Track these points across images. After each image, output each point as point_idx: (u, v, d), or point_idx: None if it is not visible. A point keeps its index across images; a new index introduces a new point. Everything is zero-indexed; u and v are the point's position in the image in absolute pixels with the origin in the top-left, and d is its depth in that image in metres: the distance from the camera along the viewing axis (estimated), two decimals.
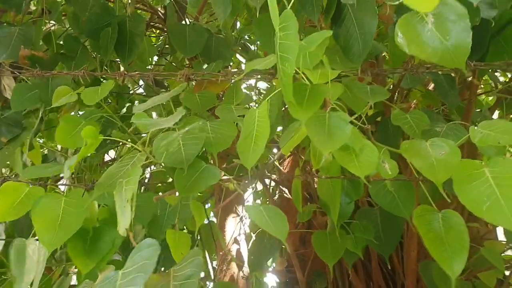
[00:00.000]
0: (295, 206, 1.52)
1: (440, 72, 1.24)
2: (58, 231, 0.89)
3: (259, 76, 1.22)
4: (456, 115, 1.59)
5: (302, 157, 1.57)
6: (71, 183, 1.01)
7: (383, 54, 1.71)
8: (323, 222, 1.40)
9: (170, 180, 1.95)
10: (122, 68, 1.86)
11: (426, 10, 0.58)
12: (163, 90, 1.85)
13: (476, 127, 0.90)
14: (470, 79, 1.42)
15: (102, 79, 1.45)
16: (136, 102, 1.78)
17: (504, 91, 1.75)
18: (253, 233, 2.22)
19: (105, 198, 1.00)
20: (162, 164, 0.92)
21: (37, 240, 1.01)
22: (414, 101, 1.71)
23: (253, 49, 2.33)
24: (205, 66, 1.68)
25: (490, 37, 1.11)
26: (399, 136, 1.33)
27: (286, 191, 1.87)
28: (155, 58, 2.09)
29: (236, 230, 2.10)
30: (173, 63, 1.93)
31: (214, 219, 2.16)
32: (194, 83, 1.30)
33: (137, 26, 1.36)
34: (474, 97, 1.35)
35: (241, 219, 2.09)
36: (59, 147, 2.10)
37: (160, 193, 1.75)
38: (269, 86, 1.44)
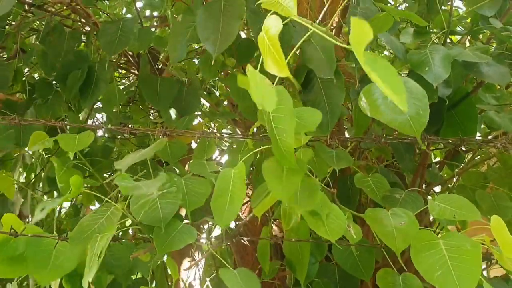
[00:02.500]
0: (251, 252, 1.54)
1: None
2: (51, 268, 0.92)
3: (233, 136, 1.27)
4: (407, 172, 1.69)
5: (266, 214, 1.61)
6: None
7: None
8: (283, 276, 1.44)
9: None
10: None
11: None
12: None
13: (434, 201, 0.99)
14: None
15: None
16: None
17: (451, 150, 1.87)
18: (208, 278, 2.23)
19: None
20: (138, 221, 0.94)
21: None
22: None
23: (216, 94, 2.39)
24: (172, 111, 1.72)
25: (444, 112, 1.22)
26: (357, 194, 1.41)
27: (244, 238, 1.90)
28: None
29: (191, 274, 2.10)
30: (140, 106, 1.95)
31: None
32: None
33: (104, 73, 1.40)
34: (426, 162, 1.45)
35: (196, 264, 2.10)
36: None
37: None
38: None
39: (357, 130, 1.32)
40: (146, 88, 1.44)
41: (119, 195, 1.27)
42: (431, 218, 1.57)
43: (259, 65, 0.80)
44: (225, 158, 2.08)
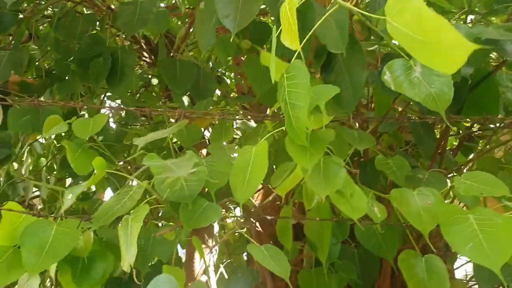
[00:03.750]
0: (266, 241, 1.54)
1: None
2: (45, 256, 0.89)
3: (249, 117, 1.26)
4: (423, 158, 1.68)
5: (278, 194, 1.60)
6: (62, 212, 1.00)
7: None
8: (300, 260, 1.43)
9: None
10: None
11: (449, 71, 0.66)
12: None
13: (460, 178, 0.98)
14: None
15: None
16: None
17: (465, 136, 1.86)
18: (222, 265, 2.24)
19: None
20: (162, 199, 0.93)
21: None
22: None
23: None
24: (184, 98, 1.72)
25: (466, 92, 1.21)
26: (377, 178, 1.40)
27: (258, 224, 1.89)
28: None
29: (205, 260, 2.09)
30: (153, 93, 1.95)
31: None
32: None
33: (129, 58, 1.39)
34: (446, 146, 1.44)
35: (210, 250, 2.10)
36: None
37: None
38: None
39: (378, 111, 1.31)
40: (165, 71, 1.43)
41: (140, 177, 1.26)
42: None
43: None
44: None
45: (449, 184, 1.09)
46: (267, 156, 0.89)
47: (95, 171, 0.91)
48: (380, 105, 1.29)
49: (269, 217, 1.09)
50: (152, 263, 1.20)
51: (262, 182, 0.90)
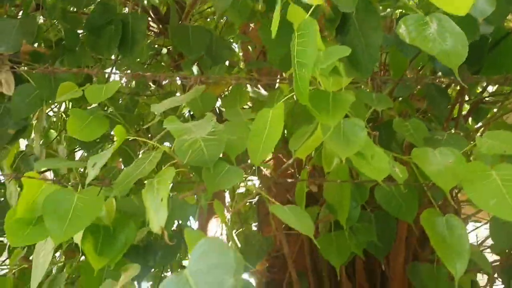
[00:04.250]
0: None
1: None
2: (69, 225, 0.88)
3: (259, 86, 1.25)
4: (436, 123, 1.67)
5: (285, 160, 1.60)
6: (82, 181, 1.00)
7: None
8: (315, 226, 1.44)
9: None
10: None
11: (459, 13, 0.65)
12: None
13: (481, 137, 0.97)
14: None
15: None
16: None
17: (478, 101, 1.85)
18: (235, 233, 2.25)
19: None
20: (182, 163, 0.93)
21: None
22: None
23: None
24: (194, 68, 1.70)
25: (486, 51, 1.19)
26: (391, 142, 1.39)
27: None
28: None
29: (218, 230, 2.11)
30: (162, 63, 1.93)
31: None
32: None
33: (140, 24, 1.37)
34: (462, 106, 1.43)
35: (223, 219, 2.10)
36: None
37: None
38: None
39: (394, 74, 1.29)
40: (178, 37, 1.41)
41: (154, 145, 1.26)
42: None
43: None
44: None
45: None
46: (283, 119, 0.89)
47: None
48: (396, 68, 1.27)
49: (289, 180, 1.08)
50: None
51: (273, 151, 0.91)
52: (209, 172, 0.88)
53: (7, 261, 1.80)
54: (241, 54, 2.35)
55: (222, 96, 1.96)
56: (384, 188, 1.09)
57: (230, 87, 1.75)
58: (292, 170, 1.56)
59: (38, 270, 1.00)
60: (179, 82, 2.16)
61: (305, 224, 0.86)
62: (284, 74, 1.22)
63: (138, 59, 1.63)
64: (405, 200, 1.09)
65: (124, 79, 1.91)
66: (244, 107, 2.09)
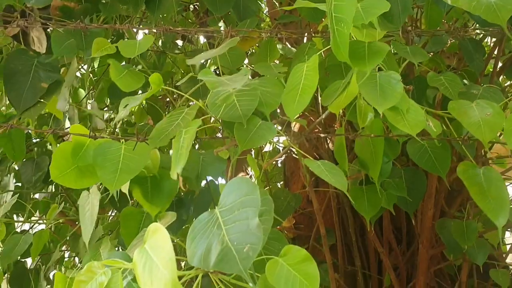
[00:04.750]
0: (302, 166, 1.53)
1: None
2: (120, 173, 0.92)
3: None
4: (468, 79, 1.63)
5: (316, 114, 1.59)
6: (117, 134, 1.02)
7: None
8: None
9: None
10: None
11: None
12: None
13: None
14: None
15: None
16: None
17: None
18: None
19: None
20: (215, 118, 0.93)
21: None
22: None
23: None
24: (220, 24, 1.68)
25: None
26: (422, 98, 1.37)
27: (294, 151, 1.90)
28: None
29: None
30: (189, 20, 1.91)
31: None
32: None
33: None
34: (497, 66, 1.40)
35: (250, 178, 2.13)
36: None
37: None
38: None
39: (430, 27, 1.26)
40: None
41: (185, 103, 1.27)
42: None
43: None
44: None
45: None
46: (317, 72, 0.88)
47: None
48: (431, 21, 1.23)
49: (322, 135, 1.08)
50: None
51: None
52: (241, 129, 0.89)
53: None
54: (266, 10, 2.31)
55: (249, 54, 1.94)
56: (417, 143, 1.08)
57: (257, 44, 1.74)
58: (320, 129, 1.56)
59: (87, 224, 1.04)
60: (203, 40, 2.15)
61: (338, 178, 0.86)
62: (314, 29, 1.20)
63: (165, 15, 1.61)
64: (437, 155, 1.08)
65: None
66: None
